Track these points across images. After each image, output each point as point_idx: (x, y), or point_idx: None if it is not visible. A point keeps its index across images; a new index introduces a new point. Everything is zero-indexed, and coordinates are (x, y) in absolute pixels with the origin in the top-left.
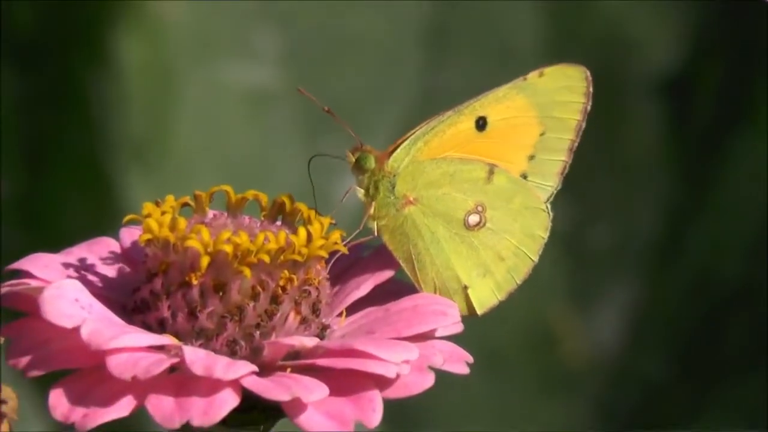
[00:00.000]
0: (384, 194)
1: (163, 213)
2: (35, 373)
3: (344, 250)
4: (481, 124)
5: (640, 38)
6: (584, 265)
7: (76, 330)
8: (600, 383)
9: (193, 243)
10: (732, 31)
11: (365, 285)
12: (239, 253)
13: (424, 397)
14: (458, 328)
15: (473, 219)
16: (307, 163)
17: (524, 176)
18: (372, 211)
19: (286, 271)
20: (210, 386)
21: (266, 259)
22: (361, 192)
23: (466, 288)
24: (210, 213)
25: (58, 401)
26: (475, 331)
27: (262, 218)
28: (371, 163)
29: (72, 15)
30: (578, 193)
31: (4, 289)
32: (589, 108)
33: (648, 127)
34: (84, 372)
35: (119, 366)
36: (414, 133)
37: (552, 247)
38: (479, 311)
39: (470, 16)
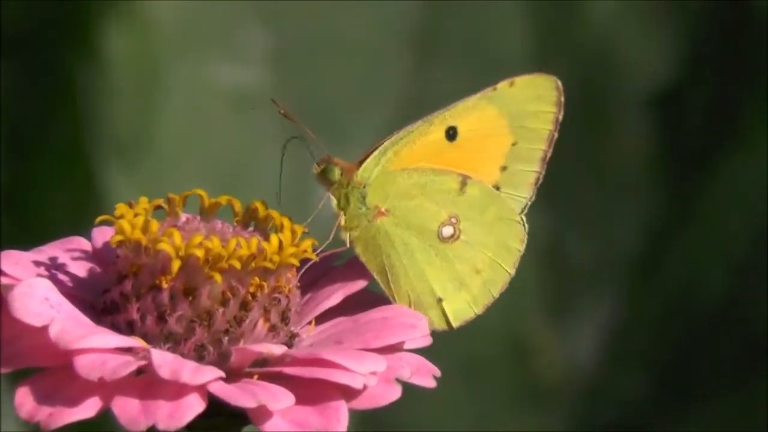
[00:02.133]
0: (355, 205)
1: (135, 215)
2: (2, 369)
3: (315, 258)
4: (451, 134)
5: (629, 51)
6: (563, 278)
7: (44, 328)
8: (575, 397)
9: (165, 246)
10: (722, 48)
11: (335, 295)
12: (210, 258)
13: (398, 406)
14: (427, 341)
15: (447, 231)
16: (289, 165)
17: (497, 187)
18: (343, 222)
19: (256, 278)
20: (176, 390)
21: (237, 265)
22: (334, 201)
23: (440, 301)
24: (183, 216)
25: (25, 399)
26: (451, 341)
27: (235, 224)
28: (335, 175)
29: (62, 8)
30: (560, 204)
31: None
32: (561, 118)
33: (634, 141)
34: (51, 371)
35: (86, 366)
36: (384, 143)
37: (531, 258)
38: (454, 324)
39: (458, 23)
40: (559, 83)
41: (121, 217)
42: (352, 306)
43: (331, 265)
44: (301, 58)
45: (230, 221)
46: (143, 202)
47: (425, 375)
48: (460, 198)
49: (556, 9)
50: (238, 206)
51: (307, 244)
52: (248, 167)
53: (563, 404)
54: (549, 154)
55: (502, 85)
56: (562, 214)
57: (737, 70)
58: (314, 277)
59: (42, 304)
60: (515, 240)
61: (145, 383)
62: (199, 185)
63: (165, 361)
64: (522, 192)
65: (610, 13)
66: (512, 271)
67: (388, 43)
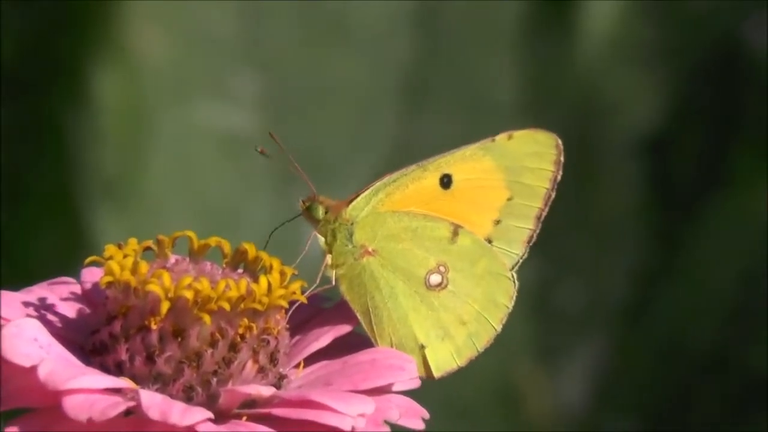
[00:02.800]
0: (341, 242)
1: (125, 256)
2: None
3: (304, 300)
4: (445, 181)
5: (618, 99)
6: (552, 324)
7: (33, 369)
8: None
9: (154, 287)
10: (711, 95)
11: (324, 337)
12: (199, 300)
13: None
14: (415, 383)
15: (434, 279)
16: (278, 210)
17: (489, 240)
18: (330, 260)
19: (245, 320)
20: (165, 431)
21: (226, 306)
22: (321, 240)
23: (423, 347)
24: (172, 258)
25: None
26: (441, 387)
27: (224, 265)
28: (319, 213)
29: (51, 50)
30: (549, 250)
31: None
32: (559, 177)
33: (623, 187)
34: (40, 412)
35: (75, 407)
36: (376, 183)
37: (520, 303)
38: (436, 374)
39: (449, 70)
40: (559, 141)
41: (111, 258)
42: (341, 348)
43: (321, 307)
44: (291, 103)
45: (219, 263)
46: (132, 244)
47: (414, 417)
48: (451, 247)
49: (546, 57)
50: (227, 248)
51: (296, 285)
52: (237, 210)
53: None
54: (544, 213)
55: (501, 138)
56: (551, 260)
57: (726, 118)
58: (304, 319)
59: (31, 344)
60: (504, 296)
61: (134, 424)
62: (187, 228)
63: (154, 402)
64: (514, 248)
65: (599, 60)
66: (498, 328)
67: (379, 89)
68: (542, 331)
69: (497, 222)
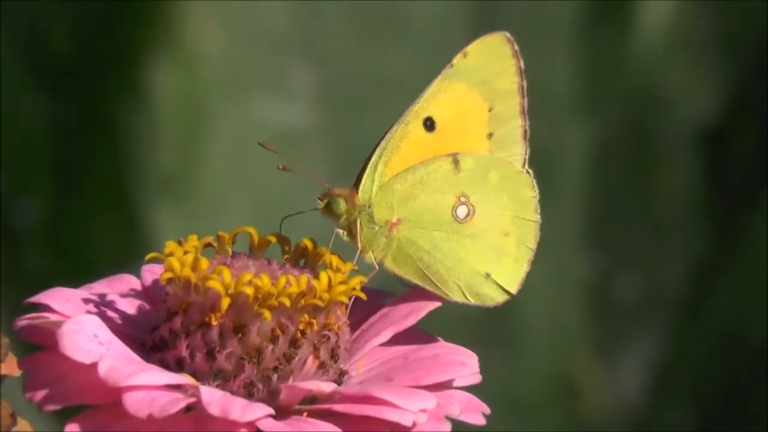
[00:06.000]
0: (367, 228)
1: (185, 252)
2: (51, 407)
3: (364, 296)
4: (429, 125)
5: (675, 90)
6: (610, 317)
7: (93, 366)
8: None
9: (214, 284)
10: (767, 87)
11: (385, 332)
12: (260, 296)
13: None
14: (476, 378)
15: (461, 211)
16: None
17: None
18: (362, 246)
19: (306, 315)
20: (226, 427)
21: (287, 302)
22: (342, 233)
23: (489, 276)
24: (232, 254)
25: None
26: (499, 380)
27: (285, 261)
28: (341, 207)
29: (108, 44)
30: (607, 243)
31: (24, 322)
32: (522, 66)
33: (680, 180)
34: (100, 408)
35: (135, 403)
36: (370, 159)
37: (578, 297)
38: (512, 290)
39: None
40: (509, 35)
41: (171, 254)
42: (401, 343)
43: (382, 303)
44: (348, 97)
45: (279, 259)
46: (193, 240)
47: (475, 412)
48: (459, 176)
49: (603, 49)
50: (287, 244)
51: (356, 281)
52: (293, 205)
53: None
54: (526, 105)
55: (458, 60)
56: (609, 252)
57: None
58: (364, 314)
59: (91, 341)
60: (526, 189)
61: (195, 420)
62: (243, 223)
63: (214, 398)
64: (514, 150)
65: (656, 51)
66: (536, 218)
67: None
68: (599, 324)
69: (490, 135)
